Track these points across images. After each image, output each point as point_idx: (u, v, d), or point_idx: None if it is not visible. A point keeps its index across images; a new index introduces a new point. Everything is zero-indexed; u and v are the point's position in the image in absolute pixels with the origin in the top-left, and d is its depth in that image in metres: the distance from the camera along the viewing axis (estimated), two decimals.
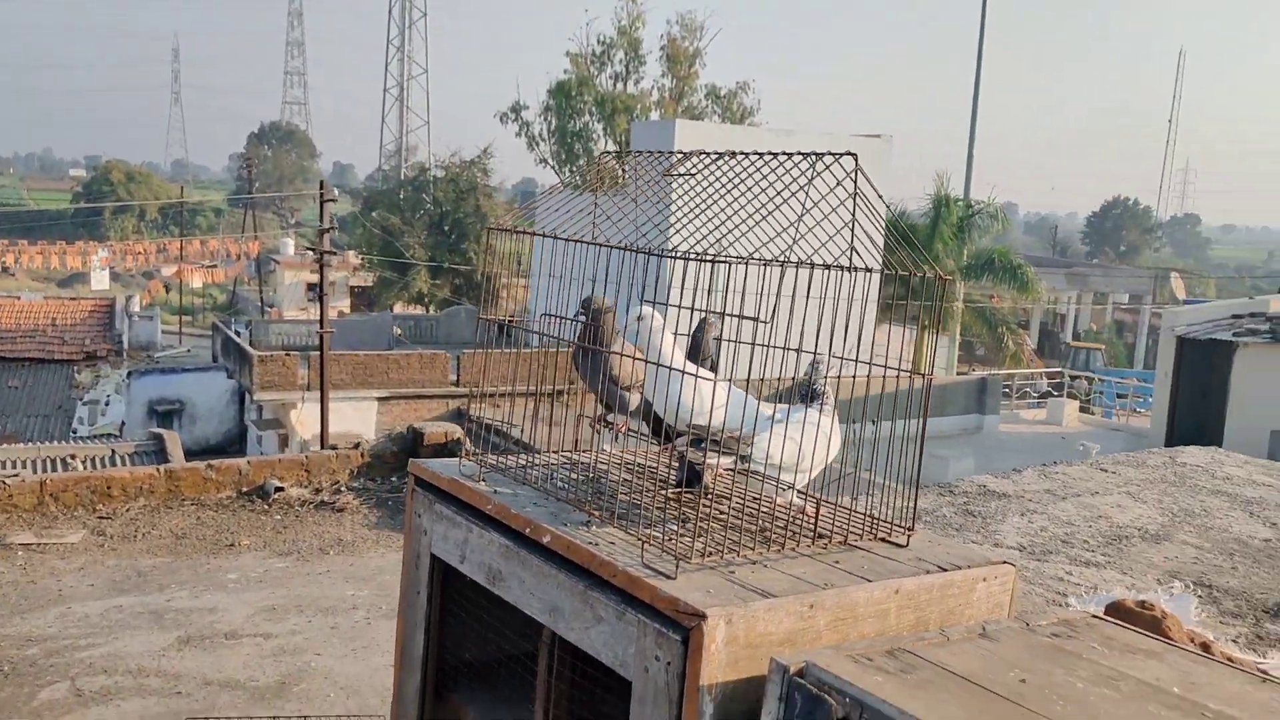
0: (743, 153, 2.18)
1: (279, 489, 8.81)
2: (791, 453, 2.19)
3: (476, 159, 48.30)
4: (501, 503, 2.30)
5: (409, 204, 49.02)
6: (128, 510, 8.34)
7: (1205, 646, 2.00)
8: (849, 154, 1.95)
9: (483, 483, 2.44)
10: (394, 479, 9.35)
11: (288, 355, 30.02)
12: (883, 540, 2.24)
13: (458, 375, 30.70)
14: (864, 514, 2.28)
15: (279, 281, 54.75)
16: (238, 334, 34.70)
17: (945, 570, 2.11)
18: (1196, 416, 24.75)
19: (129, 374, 33.06)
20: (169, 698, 5.45)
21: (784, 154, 2.05)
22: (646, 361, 2.33)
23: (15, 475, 10.16)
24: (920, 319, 1.95)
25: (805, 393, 2.28)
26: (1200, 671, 1.81)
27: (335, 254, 22.78)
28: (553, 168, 52.31)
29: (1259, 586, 2.78)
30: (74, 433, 29.26)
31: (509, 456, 2.61)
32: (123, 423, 31.00)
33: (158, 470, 8.66)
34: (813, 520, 2.23)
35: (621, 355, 2.46)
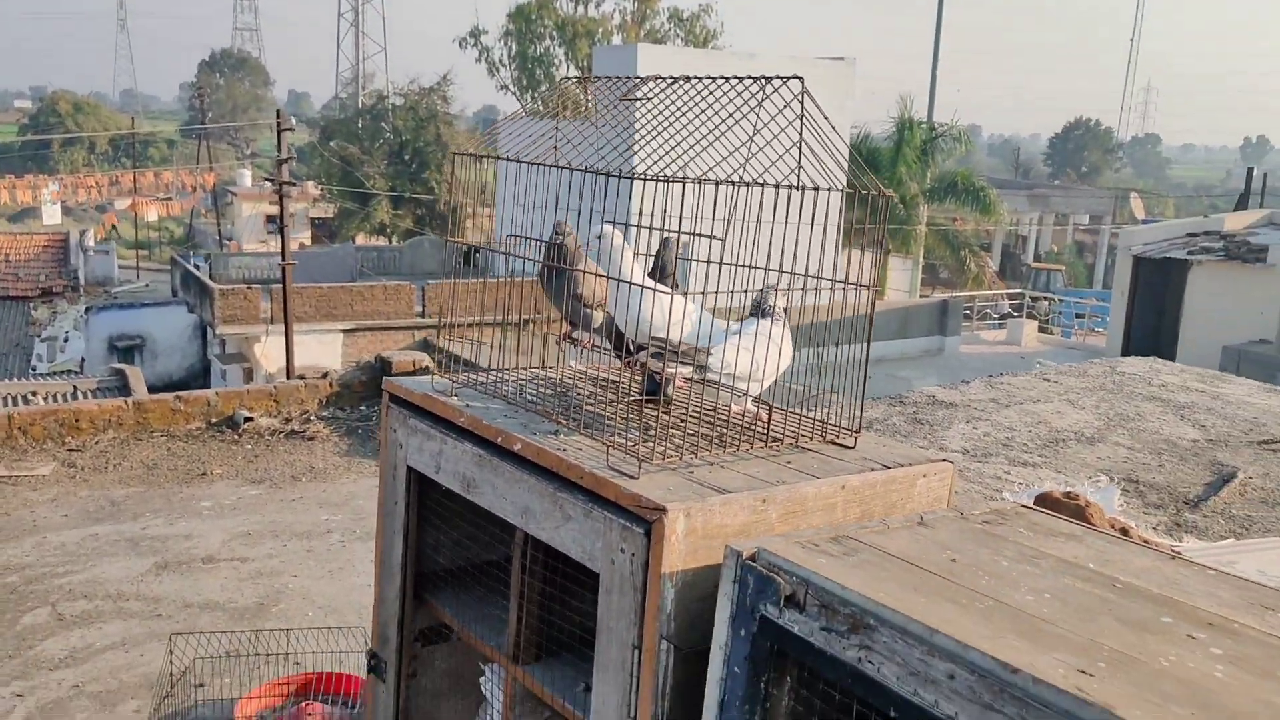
0: (696, 77, 2.28)
1: (248, 419, 8.89)
2: (746, 363, 2.34)
3: (436, 86, 47.53)
4: (474, 415, 2.44)
5: (368, 133, 48.28)
6: (97, 442, 8.41)
7: (1125, 531, 2.19)
8: (796, 77, 2.06)
9: (455, 398, 2.57)
10: (363, 408, 9.46)
11: (250, 289, 29.79)
12: (832, 443, 2.40)
13: (423, 306, 30.63)
14: (814, 419, 2.43)
15: (236, 214, 53.89)
16: (197, 268, 34.32)
17: (889, 468, 2.28)
18: (1151, 334, 25.32)
19: (87, 310, 32.66)
20: (149, 619, 5.60)
21: (735, 77, 2.15)
22: (609, 279, 2.45)
23: None
24: (881, 240, 2.09)
25: (758, 308, 2.41)
26: (1115, 551, 2.00)
27: (295, 185, 22.52)
28: (514, 94, 51.64)
29: (1182, 481, 2.98)
30: (33, 370, 28.98)
31: (480, 373, 2.73)
32: (83, 359, 30.71)
33: (126, 403, 8.71)
34: (766, 425, 2.39)
35: (584, 273, 2.58)
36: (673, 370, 2.31)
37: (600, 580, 2.06)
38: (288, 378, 21.69)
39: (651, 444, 2.18)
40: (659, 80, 2.35)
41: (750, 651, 1.78)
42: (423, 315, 30.62)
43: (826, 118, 2.12)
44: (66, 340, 32.65)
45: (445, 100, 48.51)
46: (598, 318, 2.70)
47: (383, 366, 9.57)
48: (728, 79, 2.16)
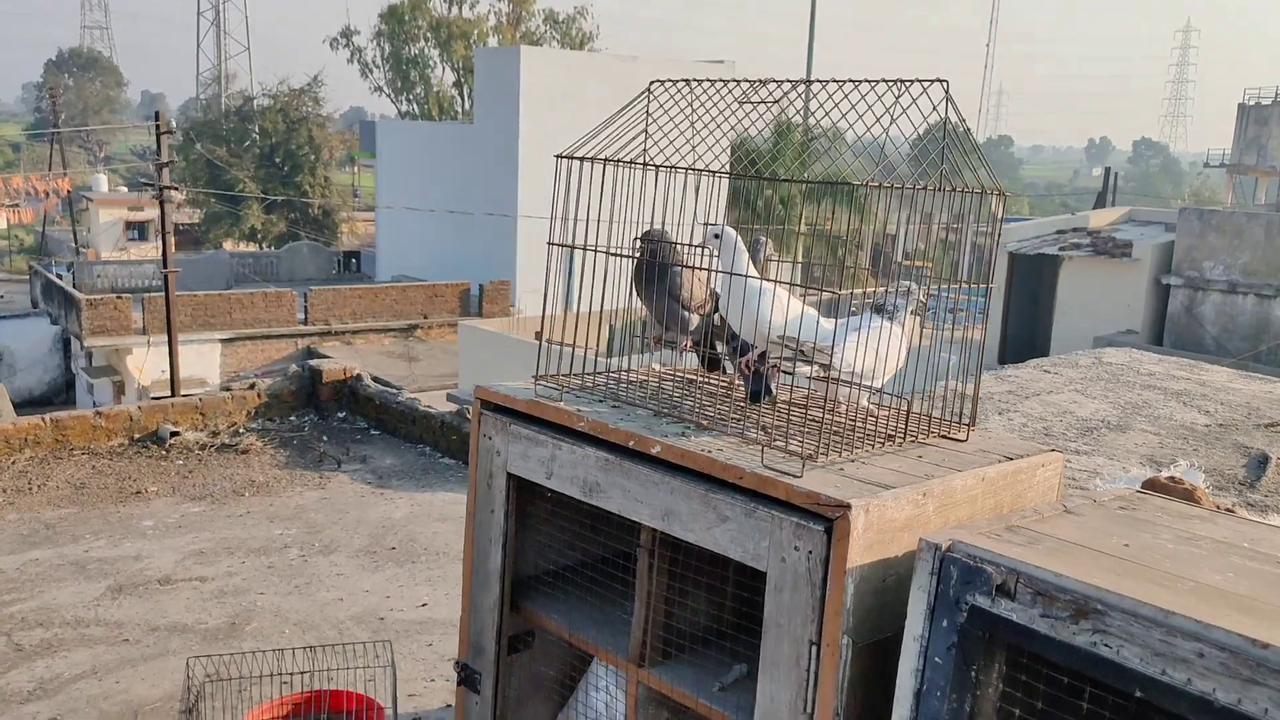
0: (819, 80, 2.32)
1: (174, 433, 8.54)
2: (867, 361, 2.39)
3: (306, 87, 46.31)
4: (595, 419, 2.42)
5: (234, 135, 46.67)
6: (14, 463, 7.95)
7: (1231, 512, 2.32)
8: (940, 80, 2.12)
9: (562, 403, 2.55)
10: (293, 418, 9.19)
11: (119, 298, 28.51)
12: (944, 437, 2.47)
13: (305, 313, 29.82)
14: (926, 415, 2.50)
15: (93, 220, 51.36)
16: (59, 277, 32.63)
17: (1012, 459, 2.36)
18: (1028, 325, 26.52)
19: None
20: (117, 645, 5.34)
21: (868, 80, 2.20)
22: (732, 275, 2.46)
23: None
24: (998, 237, 2.16)
25: (879, 306, 2.47)
26: (1249, 531, 2.12)
27: (177, 189, 21.62)
28: (388, 96, 50.68)
29: (1223, 464, 3.17)
30: None
31: (571, 376, 2.71)
32: None
33: (44, 420, 8.26)
34: (885, 422, 2.44)
35: (691, 268, 2.59)
36: (801, 369, 2.34)
37: (768, 578, 2.08)
38: (173, 390, 20.83)
39: (815, 444, 2.21)
40: (777, 82, 2.38)
41: (957, 640, 1.83)
42: (305, 322, 29.83)
43: (963, 119, 2.19)
44: None
45: (316, 102, 47.31)
46: (694, 321, 2.71)
47: (313, 375, 9.31)
48: (858, 81, 2.21)
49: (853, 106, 2.26)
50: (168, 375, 21.54)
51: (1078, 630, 1.70)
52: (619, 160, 2.52)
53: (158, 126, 20.23)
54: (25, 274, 38.68)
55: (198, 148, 45.58)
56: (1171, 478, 2.43)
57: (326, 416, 9.21)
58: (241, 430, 8.83)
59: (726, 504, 2.15)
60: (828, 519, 1.99)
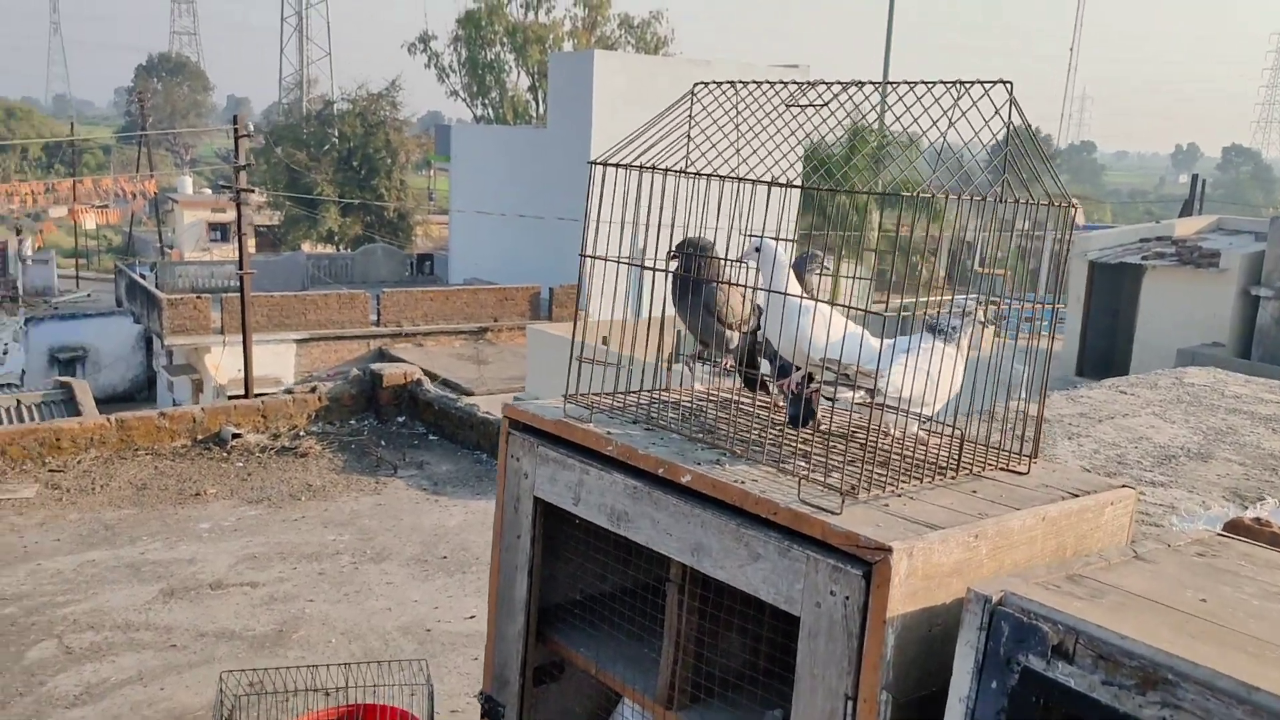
0: (873, 82, 2.14)
1: (236, 435, 8.60)
2: (918, 386, 2.20)
3: (384, 91, 46.95)
4: (625, 444, 2.27)
5: (314, 139, 47.51)
6: (79, 462, 8.05)
7: None
8: (1004, 81, 1.93)
9: (591, 424, 2.40)
10: (353, 422, 9.20)
11: (199, 298, 29.14)
12: (1004, 469, 2.27)
13: (378, 315, 30.19)
14: (984, 443, 2.30)
15: (178, 221, 52.73)
16: (143, 277, 33.48)
17: (1077, 496, 2.15)
18: (1106, 337, 25.72)
19: (26, 320, 31.74)
20: (164, 650, 5.33)
21: (925, 82, 2.02)
22: (770, 292, 2.30)
23: None
24: (1065, 251, 1.97)
25: (933, 326, 2.28)
26: None
27: (253, 191, 22.01)
28: (464, 100, 51.21)
29: None
30: None
31: (603, 395, 2.56)
32: (23, 371, 29.81)
33: (109, 420, 8.36)
34: (937, 451, 2.25)
35: (729, 284, 2.43)
36: (843, 394, 2.16)
37: (801, 624, 1.91)
38: (246, 389, 21.20)
39: (856, 477, 2.03)
40: (826, 84, 2.21)
41: (1008, 706, 1.64)
42: (378, 324, 30.19)
43: (1029, 124, 2.00)
44: (5, 352, 31.75)
45: (394, 106, 47.95)
46: (734, 338, 2.54)
47: (373, 379, 9.31)
48: (914, 83, 2.03)
49: (907, 109, 2.08)
50: (243, 374, 21.91)
51: (1145, 703, 1.50)
52: (652, 167, 2.37)
53: (236, 130, 20.59)
54: (112, 274, 39.81)
55: (278, 151, 46.53)
56: (1258, 519, 2.20)
57: (386, 421, 9.20)
58: (302, 433, 8.86)
59: (760, 541, 1.98)
60: (866, 562, 1.81)
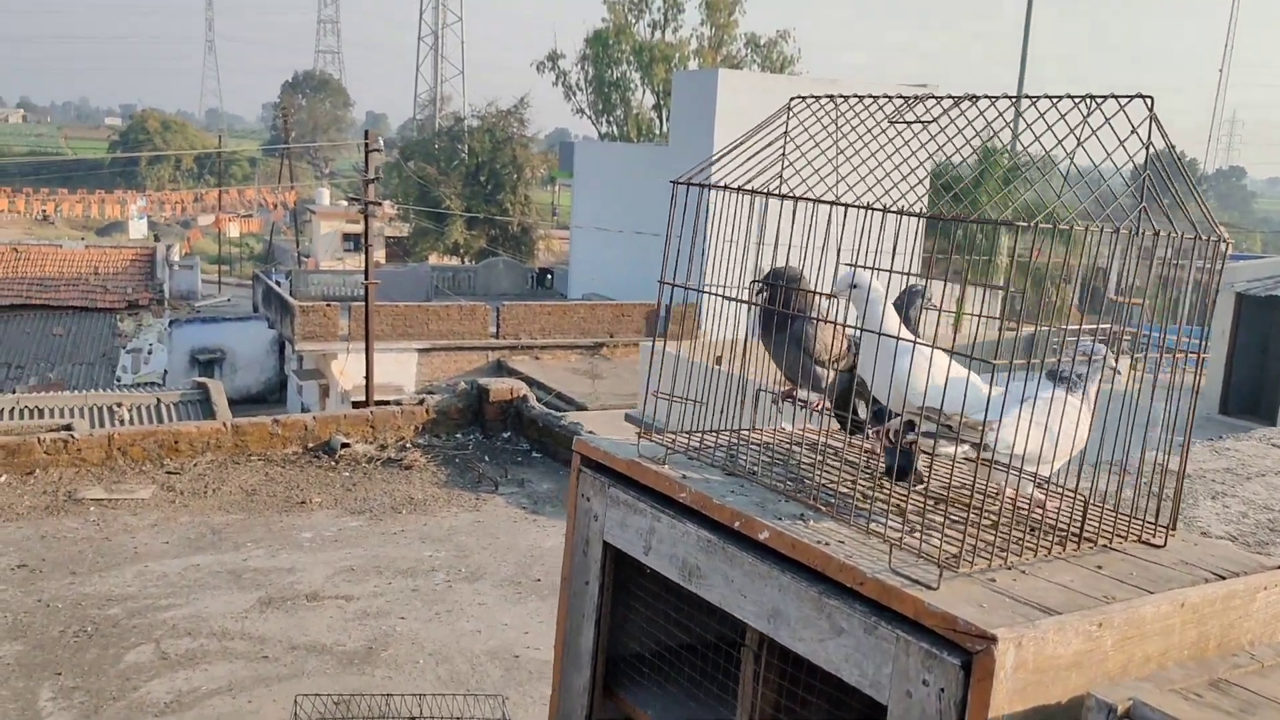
0: (989, 96, 1.89)
1: (345, 445, 8.66)
2: (1036, 441, 1.93)
3: (513, 109, 47.76)
4: (699, 491, 2.06)
5: (444, 154, 48.64)
6: (195, 465, 8.23)
7: None
8: (1144, 96, 1.66)
9: (666, 466, 2.20)
10: (459, 435, 9.19)
11: (329, 306, 30.00)
12: (1135, 540, 1.98)
13: (497, 327, 30.58)
14: (1113, 509, 2.01)
15: (314, 231, 54.66)
16: (278, 284, 34.69)
17: (1223, 578, 1.85)
18: (1253, 374, 24.22)
19: (171, 323, 33.20)
20: (255, 662, 5.31)
21: (1053, 96, 1.75)
22: (863, 330, 2.06)
23: (69, 427, 10.11)
24: (1214, 295, 1.68)
25: (1055, 372, 2.00)
26: None
27: (380, 204, 22.56)
28: (589, 118, 51.72)
29: None
30: (118, 380, 29.46)
31: (683, 434, 2.36)
32: (165, 371, 31.18)
33: (224, 425, 8.53)
34: (1055, 517, 1.97)
35: (825, 321, 2.20)
36: (946, 448, 1.91)
37: (889, 714, 1.67)
38: (367, 396, 21.66)
39: (938, 540, 1.78)
40: (936, 99, 1.96)
41: None
42: (497, 336, 30.58)
43: (1173, 146, 1.72)
44: (150, 352, 33.24)
45: (522, 123, 48.73)
46: (828, 377, 2.31)
47: (480, 393, 9.29)
48: (1047, 97, 1.76)
49: (1028, 126, 1.82)
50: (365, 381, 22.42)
51: None
52: (740, 188, 2.16)
53: (366, 145, 21.13)
54: (250, 280, 41.40)
55: (409, 166, 47.80)
56: None
57: (491, 436, 9.16)
58: (408, 445, 8.89)
59: (843, 613, 1.74)
60: (966, 650, 1.55)
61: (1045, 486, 2.04)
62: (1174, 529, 2.00)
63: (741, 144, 2.27)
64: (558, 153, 54.71)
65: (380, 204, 21.90)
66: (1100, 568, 1.85)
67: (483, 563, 6.71)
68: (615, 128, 49.68)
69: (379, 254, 51.24)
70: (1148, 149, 1.69)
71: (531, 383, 28.25)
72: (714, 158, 2.22)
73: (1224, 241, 1.88)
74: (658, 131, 47.53)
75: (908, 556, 1.75)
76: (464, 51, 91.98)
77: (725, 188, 2.19)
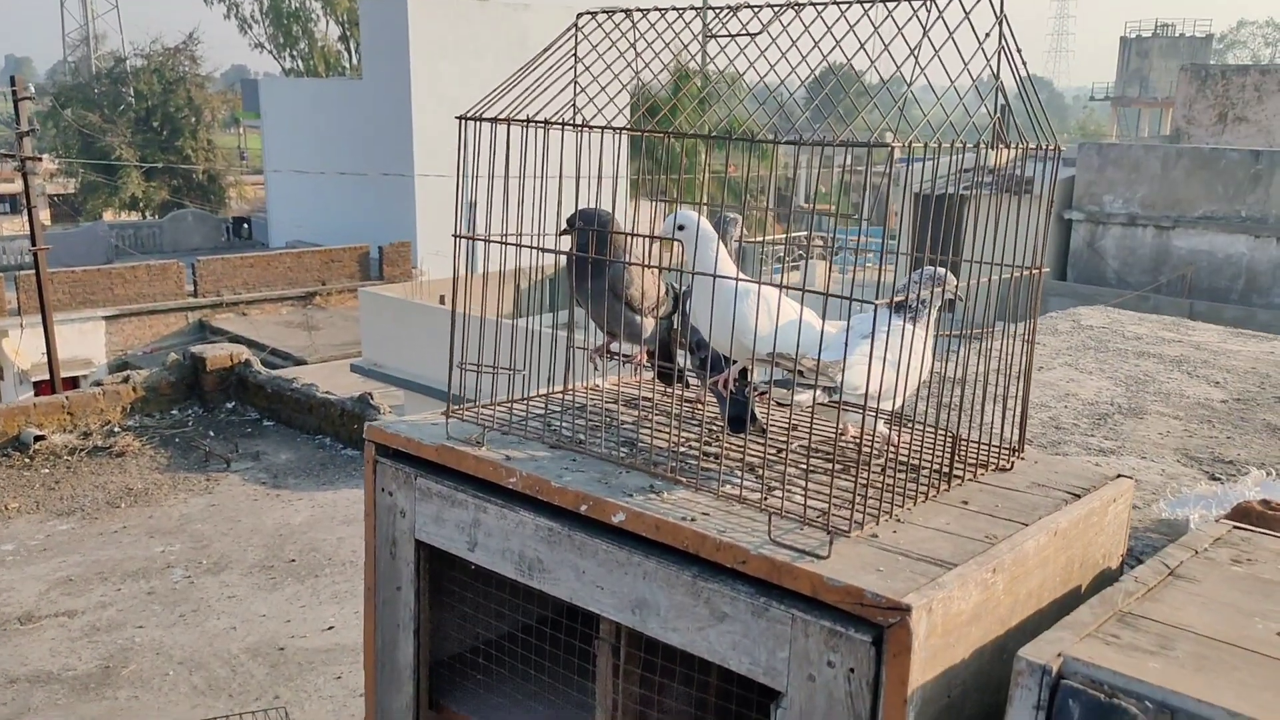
0: (815, 2, 1.70)
1: (39, 438, 7.63)
2: (885, 377, 1.80)
3: (182, 45, 43.87)
4: (531, 474, 1.79)
5: (107, 99, 44.09)
6: None
7: None
8: None
9: (485, 447, 1.91)
10: (174, 412, 8.33)
11: None
12: (981, 465, 1.91)
13: (195, 285, 28.34)
14: (951, 435, 1.93)
15: None
16: None
17: (1079, 497, 1.81)
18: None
19: None
20: None
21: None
22: (696, 274, 1.85)
23: None
24: (1049, 209, 1.60)
25: (899, 302, 1.88)
26: None
27: (39, 159, 20.06)
28: (270, 52, 48.34)
29: (1268, 455, 2.68)
30: None
31: (492, 404, 2.08)
32: None
33: None
34: (907, 454, 1.87)
35: (627, 264, 1.97)
36: (800, 395, 1.75)
37: (787, 703, 1.50)
38: (51, 374, 19.48)
39: (838, 502, 1.62)
40: (758, 6, 1.75)
41: None
42: (195, 295, 28.36)
43: (1020, 50, 1.60)
44: None
45: (194, 61, 44.91)
46: (648, 325, 2.09)
47: (195, 363, 8.45)
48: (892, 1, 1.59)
49: (875, 29, 1.66)
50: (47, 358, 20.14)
51: None
52: (536, 121, 1.87)
53: (14, 92, 18.59)
54: None
55: (67, 114, 43.00)
56: (1265, 502, 1.91)
57: (213, 409, 8.36)
58: (116, 429, 7.95)
59: (725, 596, 1.55)
60: (877, 625, 1.40)
61: (893, 423, 1.93)
62: (1022, 451, 1.95)
63: (526, 71, 1.97)
64: (239, 92, 50.97)
65: (39, 158, 19.47)
66: (966, 503, 1.76)
67: (225, 550, 6.11)
68: (300, 62, 46.75)
69: (42, 215, 45.98)
70: (999, 55, 1.56)
71: (241, 340, 26.40)
72: (504, 87, 1.91)
73: (1058, 149, 1.82)
74: (348, 65, 45.18)
75: (784, 523, 1.58)
76: None
77: (521, 121, 1.89)
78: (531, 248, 1.95)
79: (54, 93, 47.45)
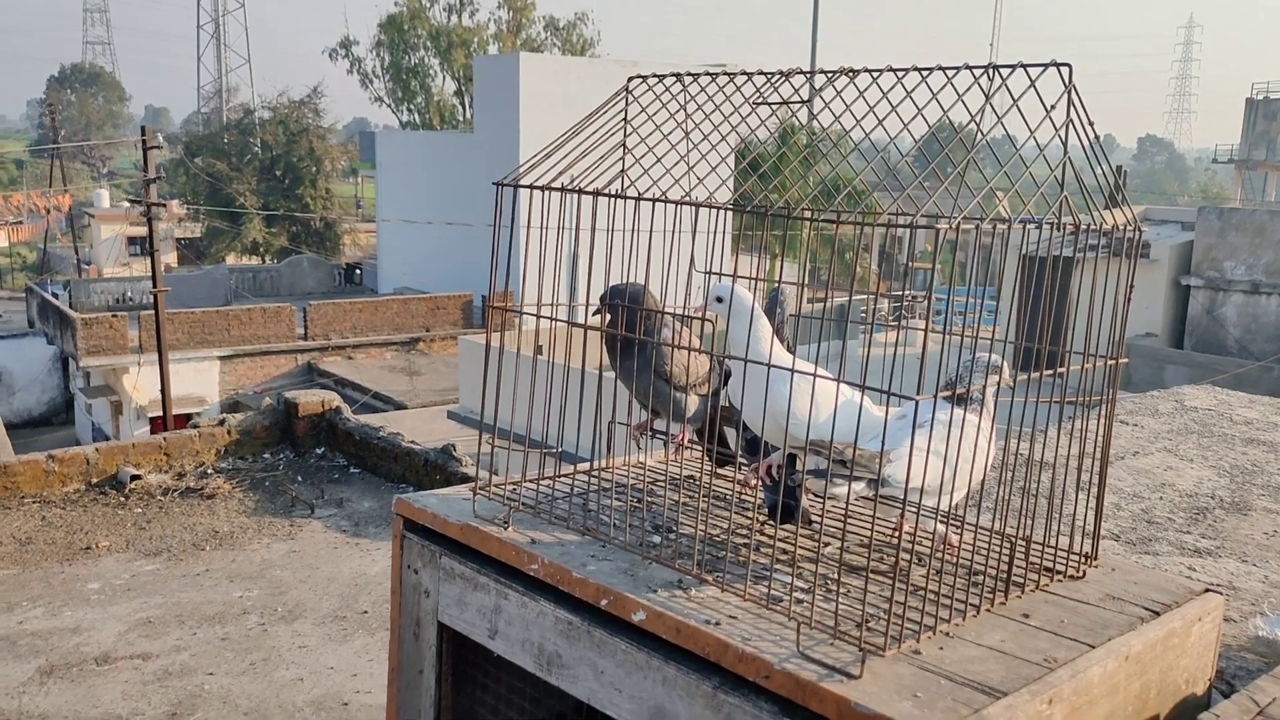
0: (892, 69, 1.58)
1: (135, 477, 7.83)
2: (936, 471, 1.65)
3: (306, 98, 45.74)
4: (553, 561, 1.69)
5: (235, 148, 46.13)
6: None
7: None
8: (1061, 64, 1.39)
9: (510, 528, 1.81)
10: (266, 455, 8.48)
11: (115, 316, 27.92)
12: (1047, 571, 1.73)
13: (305, 328, 29.19)
14: (1022, 539, 1.76)
15: (95, 237, 50.97)
16: (55, 296, 32.07)
17: (1158, 614, 1.62)
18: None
19: None
20: None
21: (958, 68, 1.46)
22: (732, 355, 1.73)
23: None
24: (1128, 295, 1.45)
25: (951, 387, 1.73)
26: None
27: (164, 205, 21.01)
28: (389, 106, 50.08)
29: None
30: None
31: (523, 481, 1.98)
32: None
33: None
34: (960, 558, 1.70)
35: (674, 346, 1.86)
36: (841, 487, 1.61)
37: None
38: (164, 411, 20.20)
39: (873, 614, 1.47)
40: (811, 73, 1.64)
41: None
42: (305, 338, 29.20)
43: (1092, 124, 1.46)
44: None
45: (317, 113, 46.77)
46: (693, 403, 1.98)
47: (288, 408, 8.60)
48: (951, 68, 1.47)
49: (934, 95, 1.54)
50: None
51: None
52: (577, 189, 1.79)
53: (144, 142, 19.55)
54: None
55: (196, 162, 45.19)
56: None
57: (303, 453, 8.49)
58: (209, 471, 8.12)
59: (747, 714, 1.41)
60: None
61: (949, 522, 1.77)
62: (1095, 559, 1.77)
63: (576, 133, 1.90)
64: (358, 143, 52.79)
65: (165, 204, 20.39)
66: (1027, 617, 1.59)
67: (301, 598, 6.13)
68: (417, 115, 48.36)
69: (169, 257, 48.18)
70: (1067, 126, 1.42)
71: (346, 384, 27.09)
72: (544, 152, 1.84)
73: (1139, 231, 1.66)
74: (461, 118, 46.54)
75: (815, 635, 1.43)
76: (248, 39, 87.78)
77: (557, 189, 1.81)
78: (567, 322, 1.86)
79: (186, 141, 49.94)
